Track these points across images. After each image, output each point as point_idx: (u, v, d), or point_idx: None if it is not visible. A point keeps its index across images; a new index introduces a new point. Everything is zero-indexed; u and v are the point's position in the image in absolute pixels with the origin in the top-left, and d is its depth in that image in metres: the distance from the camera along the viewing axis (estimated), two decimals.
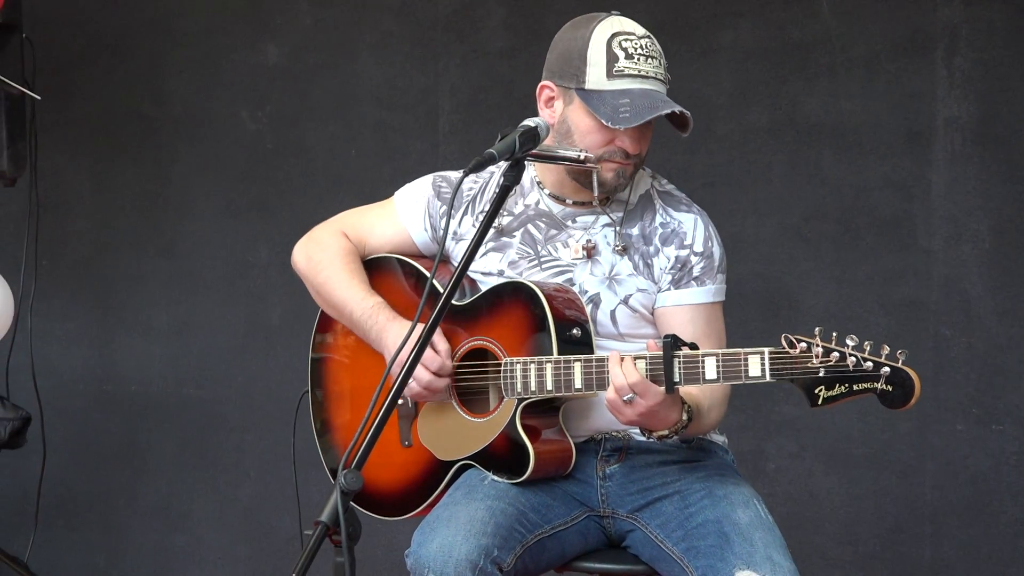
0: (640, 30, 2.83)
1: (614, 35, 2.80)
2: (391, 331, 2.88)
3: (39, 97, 4.06)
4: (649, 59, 2.80)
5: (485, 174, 2.95)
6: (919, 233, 3.96)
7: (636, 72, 2.78)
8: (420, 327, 2.52)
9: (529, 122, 2.72)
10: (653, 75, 2.79)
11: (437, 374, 2.83)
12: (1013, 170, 3.88)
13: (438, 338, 2.85)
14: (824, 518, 4.06)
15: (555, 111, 2.85)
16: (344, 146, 4.52)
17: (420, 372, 2.81)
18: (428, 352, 2.80)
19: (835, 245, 4.04)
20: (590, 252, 2.88)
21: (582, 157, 2.78)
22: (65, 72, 4.71)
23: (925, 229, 3.95)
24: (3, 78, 3.97)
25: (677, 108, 2.76)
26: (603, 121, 2.76)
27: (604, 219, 2.89)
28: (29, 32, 4.11)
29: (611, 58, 2.79)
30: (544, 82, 2.87)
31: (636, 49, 2.79)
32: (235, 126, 4.61)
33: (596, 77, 2.78)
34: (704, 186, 4.09)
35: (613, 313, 2.86)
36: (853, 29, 4.00)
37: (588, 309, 2.84)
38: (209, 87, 4.65)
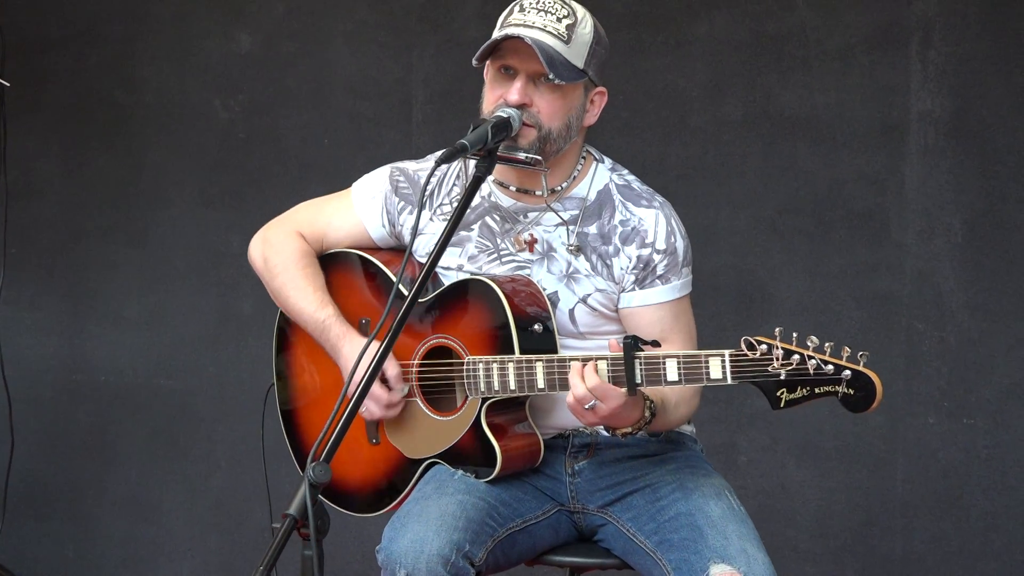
0: None
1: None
2: (343, 351, 2.87)
3: (8, 84, 4.03)
4: (543, 13, 2.73)
5: (444, 166, 2.90)
6: (892, 227, 3.96)
7: (520, 22, 2.74)
8: (375, 345, 2.53)
9: (501, 112, 2.72)
10: (540, 26, 2.72)
11: (388, 407, 2.83)
12: (986, 164, 3.89)
13: (390, 364, 2.82)
14: (796, 511, 4.07)
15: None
16: (317, 135, 4.50)
17: (372, 407, 2.82)
18: (376, 386, 2.79)
19: (808, 238, 4.04)
20: (532, 246, 2.85)
21: (528, 159, 2.74)
22: (36, 58, 4.67)
23: (898, 223, 3.95)
24: None
25: (515, 33, 2.69)
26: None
27: (557, 217, 2.85)
28: None
29: (506, 16, 2.78)
30: None
31: (532, 4, 2.75)
32: (207, 114, 4.58)
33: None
34: (678, 178, 4.08)
35: (572, 312, 2.84)
36: (828, 22, 4.00)
37: None
38: (181, 75, 4.62)
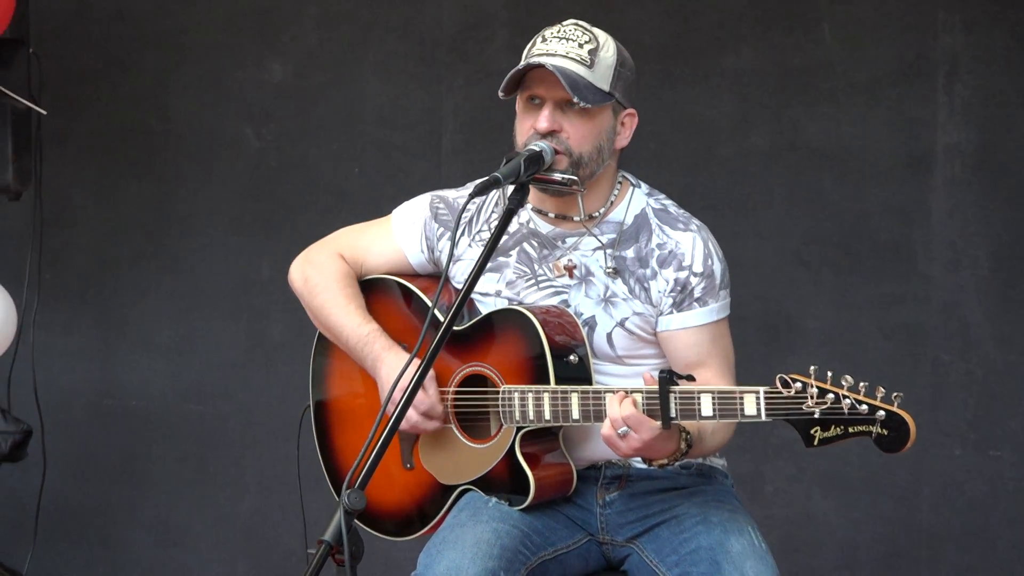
0: (569, 22, 2.82)
1: (542, 31, 2.83)
2: (386, 362, 2.88)
3: (45, 112, 4.08)
4: (564, 41, 2.78)
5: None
6: (919, 258, 3.98)
7: (543, 52, 2.78)
8: (416, 362, 2.54)
9: (534, 146, 2.74)
10: (563, 53, 2.76)
11: (426, 415, 2.83)
12: (1012, 197, 3.90)
13: (429, 381, 2.83)
14: (821, 541, 4.07)
15: None
16: (347, 164, 4.54)
17: (409, 412, 2.80)
18: (419, 393, 2.80)
19: (835, 269, 4.05)
20: (571, 272, 2.88)
21: (564, 179, 2.76)
22: (71, 87, 4.72)
23: (924, 255, 3.97)
24: (10, 92, 3.98)
25: (537, 61, 2.72)
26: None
27: (596, 241, 2.88)
28: (36, 47, 4.12)
29: (529, 48, 2.82)
30: None
31: (553, 34, 2.80)
32: (240, 143, 4.63)
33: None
34: (704, 209, 4.06)
35: (610, 336, 2.85)
36: (855, 55, 4.03)
37: (584, 332, 2.83)
38: (214, 104, 4.67)
